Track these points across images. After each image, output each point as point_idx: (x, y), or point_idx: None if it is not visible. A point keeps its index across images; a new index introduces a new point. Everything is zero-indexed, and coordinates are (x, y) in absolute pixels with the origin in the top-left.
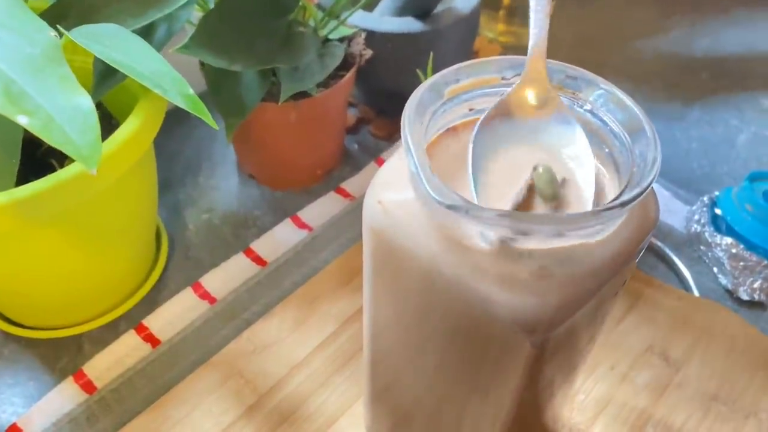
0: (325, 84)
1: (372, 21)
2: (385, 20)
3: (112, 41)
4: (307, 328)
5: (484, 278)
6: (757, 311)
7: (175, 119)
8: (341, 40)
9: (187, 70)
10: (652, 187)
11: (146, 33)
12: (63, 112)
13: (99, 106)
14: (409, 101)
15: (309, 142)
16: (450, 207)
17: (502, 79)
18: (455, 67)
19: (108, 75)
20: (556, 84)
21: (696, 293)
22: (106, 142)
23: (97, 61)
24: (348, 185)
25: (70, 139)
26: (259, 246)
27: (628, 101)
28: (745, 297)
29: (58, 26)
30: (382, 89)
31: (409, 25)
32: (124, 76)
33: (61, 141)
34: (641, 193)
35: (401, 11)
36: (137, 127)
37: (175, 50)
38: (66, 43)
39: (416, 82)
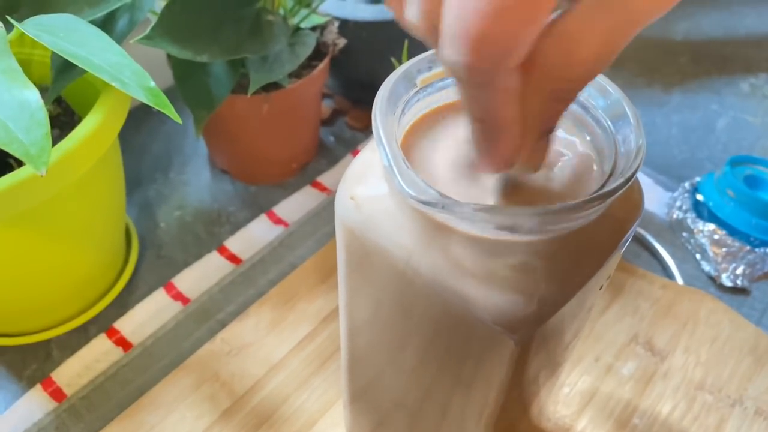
0: (297, 74)
1: (345, 9)
2: (359, 8)
3: (67, 33)
4: (284, 328)
5: (464, 275)
6: (740, 297)
7: (143, 113)
8: (313, 28)
9: (153, 62)
10: (636, 177)
11: (106, 23)
12: (8, 107)
13: (60, 101)
14: (380, 91)
15: (283, 135)
16: (425, 203)
17: None
18: (427, 54)
19: (66, 69)
20: None
21: (680, 281)
22: (66, 138)
23: (55, 55)
24: (324, 179)
25: (16, 137)
26: (233, 243)
27: (609, 87)
28: (728, 283)
29: (9, 17)
30: (357, 79)
31: (384, 12)
32: (84, 70)
33: (5, 140)
34: (626, 183)
35: None
36: (99, 122)
37: (136, 41)
38: (24, 37)
39: (392, 71)
